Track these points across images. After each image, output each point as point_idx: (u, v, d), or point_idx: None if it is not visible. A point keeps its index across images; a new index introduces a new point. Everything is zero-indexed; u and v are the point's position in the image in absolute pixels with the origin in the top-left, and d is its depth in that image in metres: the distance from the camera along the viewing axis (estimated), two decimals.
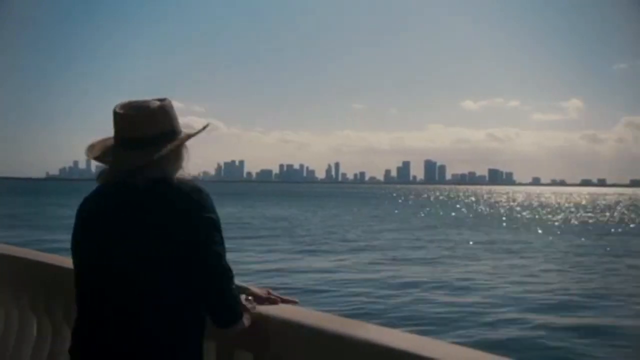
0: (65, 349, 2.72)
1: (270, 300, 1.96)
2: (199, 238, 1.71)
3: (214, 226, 1.76)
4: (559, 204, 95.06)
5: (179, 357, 1.72)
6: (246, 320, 1.81)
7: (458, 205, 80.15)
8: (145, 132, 1.80)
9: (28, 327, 2.95)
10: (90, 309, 1.78)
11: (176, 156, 1.85)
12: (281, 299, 1.98)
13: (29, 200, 73.46)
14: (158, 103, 1.86)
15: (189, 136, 1.88)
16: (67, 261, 2.82)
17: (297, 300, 2.01)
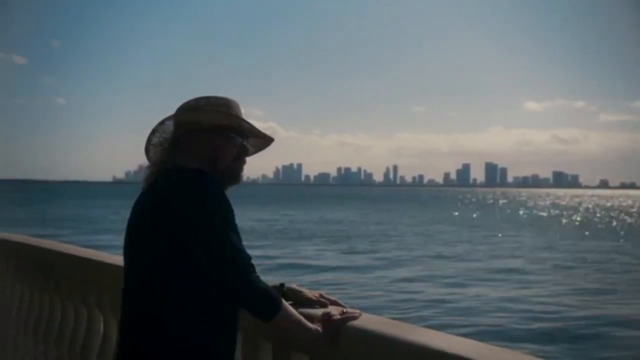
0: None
1: (320, 303, 1.93)
2: (189, 226, 1.65)
3: (207, 211, 1.66)
4: None
5: (200, 355, 1.69)
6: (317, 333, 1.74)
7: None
8: (171, 132, 1.90)
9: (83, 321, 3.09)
10: (122, 307, 1.83)
11: (189, 150, 1.82)
12: (331, 301, 1.95)
13: (101, 202, 76.39)
14: (187, 105, 1.90)
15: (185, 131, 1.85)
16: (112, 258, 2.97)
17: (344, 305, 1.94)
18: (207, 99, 1.89)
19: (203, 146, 1.83)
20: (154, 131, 1.92)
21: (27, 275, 3.64)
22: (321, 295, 1.96)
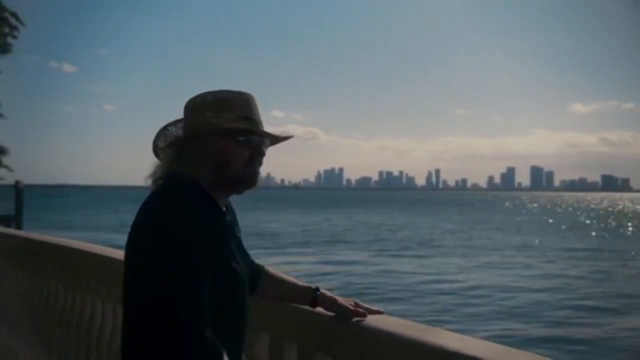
0: None
1: (357, 314, 1.82)
2: (136, 259, 1.48)
3: (159, 235, 1.42)
4: None
5: None
6: None
7: None
8: (176, 137, 1.74)
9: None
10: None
11: (196, 156, 1.64)
12: (368, 310, 1.86)
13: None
14: (192, 103, 1.70)
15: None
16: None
17: (382, 310, 1.88)
18: (215, 96, 1.67)
19: (211, 151, 1.63)
20: (157, 136, 1.76)
21: (71, 277, 3.76)
22: (356, 304, 1.87)
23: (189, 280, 1.39)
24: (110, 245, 4.00)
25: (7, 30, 28.94)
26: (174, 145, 1.70)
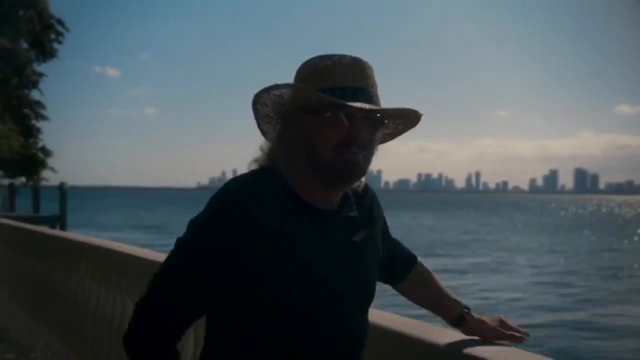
0: None
1: (512, 339, 1.54)
2: None
3: (185, 234, 1.28)
4: None
5: None
6: None
7: None
8: (267, 115, 1.39)
9: None
10: None
11: (288, 141, 1.31)
12: (514, 330, 1.58)
13: (179, 209, 78.97)
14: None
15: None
16: None
17: (528, 332, 1.57)
18: (308, 63, 1.32)
19: (298, 133, 1.29)
20: (257, 121, 1.39)
21: (102, 276, 3.86)
22: (502, 323, 1.58)
23: (176, 275, 1.26)
24: (149, 245, 4.03)
25: (53, 36, 30.05)
26: (272, 129, 1.37)
